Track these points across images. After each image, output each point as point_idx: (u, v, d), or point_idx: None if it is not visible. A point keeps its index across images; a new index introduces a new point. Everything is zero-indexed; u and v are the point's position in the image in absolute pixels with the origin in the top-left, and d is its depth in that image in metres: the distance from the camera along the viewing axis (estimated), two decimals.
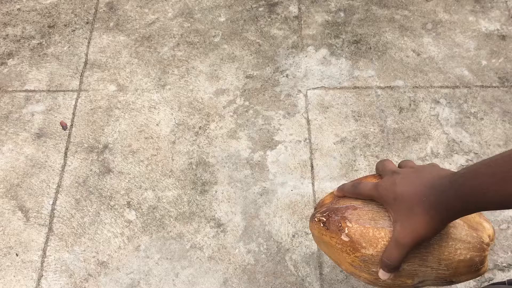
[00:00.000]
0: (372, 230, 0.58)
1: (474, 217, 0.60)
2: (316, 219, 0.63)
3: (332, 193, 0.66)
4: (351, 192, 0.62)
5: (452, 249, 0.58)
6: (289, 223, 1.30)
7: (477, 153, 1.40)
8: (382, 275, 0.58)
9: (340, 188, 0.64)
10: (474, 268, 0.59)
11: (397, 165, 0.63)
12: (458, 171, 0.52)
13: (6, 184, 1.37)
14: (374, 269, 0.59)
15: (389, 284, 0.60)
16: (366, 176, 0.65)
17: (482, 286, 0.88)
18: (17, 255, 1.27)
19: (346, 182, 1.35)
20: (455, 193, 0.51)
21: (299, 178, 1.37)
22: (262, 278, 1.24)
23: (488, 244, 0.59)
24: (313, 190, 1.35)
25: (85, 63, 1.59)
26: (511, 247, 1.27)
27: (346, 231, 0.59)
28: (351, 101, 1.49)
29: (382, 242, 0.57)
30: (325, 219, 0.61)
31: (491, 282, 1.23)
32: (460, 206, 0.51)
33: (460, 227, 0.58)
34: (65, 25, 1.68)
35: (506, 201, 0.47)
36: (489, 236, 0.60)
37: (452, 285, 1.01)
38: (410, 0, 1.71)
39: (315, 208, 0.66)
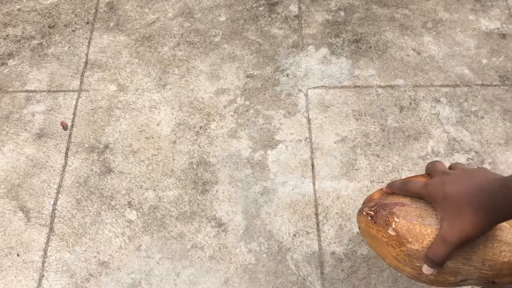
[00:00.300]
0: (419, 226, 0.60)
1: None
2: (364, 212, 0.65)
3: (381, 189, 0.69)
4: (400, 189, 0.65)
5: (497, 251, 0.59)
6: (290, 222, 1.30)
7: (477, 152, 1.40)
8: (426, 270, 0.60)
9: (389, 185, 0.67)
10: None
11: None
12: (509, 175, 0.54)
13: (7, 184, 1.37)
14: (418, 264, 0.60)
15: (431, 280, 0.62)
16: (416, 176, 0.67)
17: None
18: (18, 255, 1.27)
19: (346, 182, 1.35)
20: (504, 196, 0.52)
21: (300, 178, 1.37)
22: (263, 277, 1.24)
23: None
24: (314, 190, 1.35)
25: (86, 63, 1.59)
26: None
27: (393, 226, 0.61)
28: (352, 100, 1.49)
29: (428, 239, 0.59)
30: (373, 213, 0.64)
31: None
32: (509, 209, 0.52)
33: (507, 230, 0.60)
34: (66, 25, 1.68)
35: None
36: None
37: None
38: None
39: (363, 203, 0.69)
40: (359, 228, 0.70)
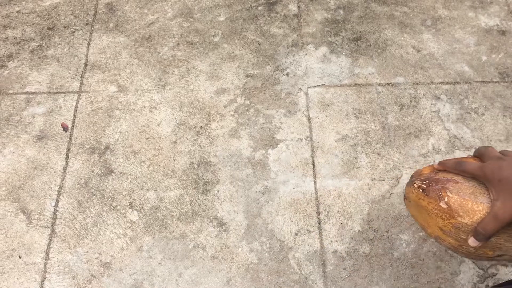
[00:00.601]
0: (471, 203, 0.65)
1: None
2: (415, 184, 0.71)
3: (431, 165, 0.74)
4: (454, 168, 0.70)
5: None
6: (292, 221, 1.30)
7: None
8: (472, 242, 0.66)
9: (442, 163, 0.73)
10: None
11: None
12: None
13: (8, 186, 1.37)
14: (463, 236, 0.66)
15: (470, 252, 0.68)
16: (467, 157, 0.73)
17: (495, 284, 0.90)
18: (20, 257, 1.27)
19: (347, 180, 1.35)
20: None
21: (301, 176, 1.37)
22: (265, 276, 1.24)
23: None
24: (315, 188, 1.35)
25: (85, 64, 1.59)
26: None
27: (446, 200, 0.66)
28: (352, 99, 1.49)
29: (479, 215, 0.64)
30: (425, 186, 0.69)
31: (495, 278, 1.23)
32: None
33: None
34: (65, 27, 1.68)
35: None
36: None
37: None
38: None
39: (412, 176, 0.74)
40: (405, 198, 0.75)
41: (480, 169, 0.67)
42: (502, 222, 0.63)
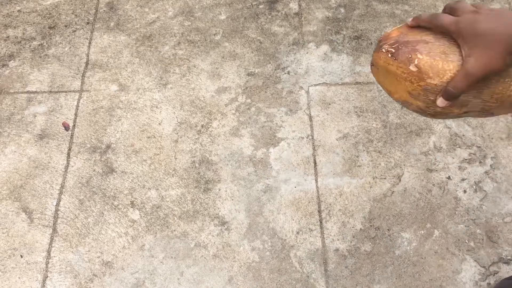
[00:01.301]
0: (441, 62, 0.63)
1: None
2: (383, 49, 0.67)
3: (398, 28, 0.70)
4: (428, 21, 0.66)
5: (507, 85, 0.63)
6: (293, 219, 1.30)
7: (480, 147, 1.40)
8: (441, 102, 0.64)
9: (416, 17, 0.68)
10: None
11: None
12: None
13: (10, 185, 1.37)
14: (431, 98, 0.64)
15: (437, 112, 0.66)
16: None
17: (496, 281, 0.89)
18: (21, 256, 1.27)
19: (349, 179, 1.35)
20: None
21: (302, 175, 1.37)
22: (267, 275, 1.24)
23: None
24: (317, 187, 1.34)
25: (86, 63, 1.59)
26: None
27: (416, 62, 0.64)
28: (353, 97, 1.49)
29: (449, 74, 0.62)
30: (393, 50, 0.66)
31: (496, 275, 1.23)
32: None
33: None
34: (66, 26, 1.68)
35: None
36: None
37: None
38: None
39: (380, 41, 0.70)
40: (373, 65, 0.72)
41: (455, 23, 0.63)
42: (473, 79, 0.61)
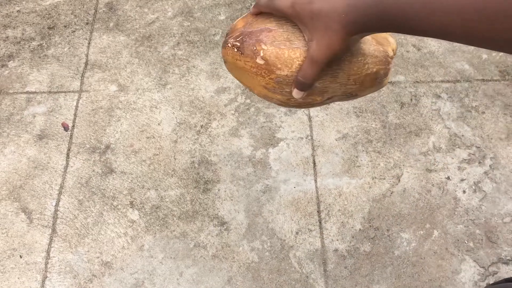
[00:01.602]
0: (287, 51, 0.58)
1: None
2: (229, 44, 0.62)
3: (243, 17, 0.65)
4: (266, 6, 0.60)
5: (361, 64, 0.59)
6: (292, 220, 1.30)
7: (479, 147, 1.40)
8: (296, 93, 0.59)
9: (256, 4, 0.62)
10: (379, 81, 0.61)
11: None
12: None
13: (9, 186, 1.37)
14: (287, 90, 0.60)
15: (300, 103, 0.61)
16: None
17: (496, 281, 0.89)
18: (21, 257, 1.27)
19: (348, 179, 1.35)
20: (379, 14, 0.51)
21: (301, 175, 1.37)
22: (266, 275, 1.24)
23: (392, 58, 0.61)
24: (316, 187, 1.35)
25: (86, 63, 1.59)
26: None
27: (262, 54, 0.59)
28: None
29: (297, 62, 0.58)
30: (239, 44, 0.61)
31: (496, 276, 1.23)
32: (380, 26, 0.51)
33: (369, 43, 0.60)
34: (65, 26, 1.68)
35: (429, 31, 0.48)
36: (393, 50, 0.62)
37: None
38: None
39: (227, 34, 0.64)
40: (224, 62, 0.66)
41: (291, 6, 0.56)
42: (320, 64, 0.55)
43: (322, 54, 0.55)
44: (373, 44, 0.60)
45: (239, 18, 0.65)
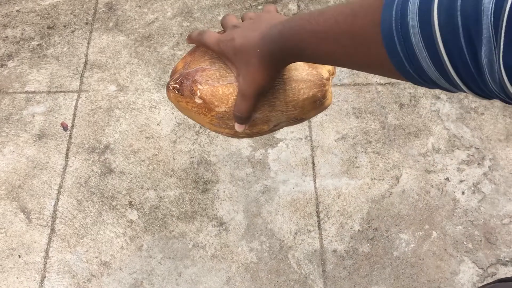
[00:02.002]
0: (221, 88, 0.60)
1: None
2: (171, 87, 0.64)
3: (183, 57, 0.67)
4: (197, 40, 0.63)
5: (296, 90, 0.61)
6: (291, 220, 1.30)
7: (478, 148, 1.40)
8: (238, 127, 0.61)
9: (188, 36, 0.65)
10: (319, 103, 0.63)
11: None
12: (290, 18, 0.53)
13: (8, 185, 1.37)
14: (231, 124, 0.62)
15: (248, 133, 0.63)
16: (220, 31, 0.66)
17: (489, 282, 0.88)
18: (19, 256, 1.27)
19: (347, 180, 1.35)
20: (281, 45, 0.53)
21: (300, 176, 1.37)
22: (265, 276, 1.24)
23: (328, 79, 0.63)
24: (315, 188, 1.35)
25: (85, 63, 1.59)
26: None
27: (199, 94, 0.61)
28: (352, 98, 1.49)
29: (232, 98, 0.60)
30: (178, 86, 0.63)
31: (494, 277, 1.23)
32: (286, 57, 0.54)
33: (301, 68, 0.62)
34: (65, 26, 1.68)
35: (321, 58, 0.50)
36: (328, 71, 0.63)
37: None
38: None
39: (170, 76, 0.67)
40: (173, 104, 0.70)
41: (217, 44, 0.59)
42: (249, 97, 0.57)
43: (249, 88, 0.57)
44: (306, 69, 0.62)
45: (180, 60, 0.68)
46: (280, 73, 0.59)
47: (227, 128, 0.63)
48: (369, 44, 0.43)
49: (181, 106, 0.64)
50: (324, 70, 0.63)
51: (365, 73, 1.55)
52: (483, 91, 0.37)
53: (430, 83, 0.41)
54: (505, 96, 0.35)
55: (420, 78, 0.41)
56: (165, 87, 0.67)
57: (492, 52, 0.33)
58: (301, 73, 0.62)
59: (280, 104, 0.61)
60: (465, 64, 0.36)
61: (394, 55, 0.40)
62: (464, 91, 0.40)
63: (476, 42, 0.34)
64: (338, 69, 1.55)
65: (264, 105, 0.61)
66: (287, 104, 0.61)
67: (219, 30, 0.65)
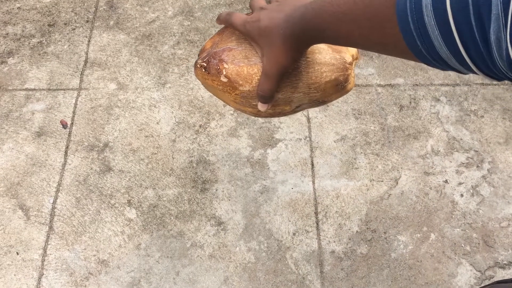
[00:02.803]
0: (246, 68, 0.62)
1: None
2: (198, 65, 0.66)
3: (212, 37, 0.69)
4: (225, 20, 0.65)
5: (319, 73, 0.63)
6: (290, 221, 1.30)
7: (477, 151, 1.40)
8: (261, 106, 0.63)
9: (218, 16, 0.67)
10: (341, 87, 0.65)
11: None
12: (313, 1, 0.55)
13: (7, 182, 1.37)
14: (254, 103, 0.64)
15: (271, 113, 0.66)
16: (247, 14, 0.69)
17: (486, 284, 0.88)
18: (17, 253, 1.27)
19: (346, 181, 1.35)
20: (303, 27, 0.54)
21: (299, 176, 1.37)
22: (262, 276, 1.24)
23: (351, 63, 0.64)
24: (314, 188, 1.35)
25: (85, 61, 1.59)
26: None
27: (224, 73, 0.63)
28: (352, 99, 1.49)
29: (256, 78, 0.62)
30: (205, 64, 0.65)
31: (492, 280, 1.23)
32: (308, 38, 0.56)
33: (325, 52, 0.63)
34: (65, 24, 1.68)
35: (340, 39, 0.52)
36: (352, 56, 0.65)
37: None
38: None
39: (198, 55, 0.69)
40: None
41: (243, 25, 0.61)
42: (273, 78, 0.59)
43: (272, 69, 0.59)
44: (329, 53, 0.63)
45: (209, 39, 0.70)
46: (302, 54, 0.60)
47: (250, 107, 0.65)
48: (384, 24, 0.44)
49: (207, 84, 0.67)
50: (348, 54, 0.64)
51: (365, 73, 1.55)
52: (492, 71, 0.38)
53: (441, 63, 0.42)
54: None
55: (432, 58, 0.42)
56: (193, 65, 0.69)
57: (500, 29, 0.34)
58: (325, 56, 0.63)
59: (302, 86, 0.63)
60: (474, 42, 0.37)
61: (407, 34, 0.41)
62: (474, 72, 0.41)
63: (485, 20, 0.35)
64: None
65: (287, 86, 0.62)
66: (310, 86, 0.63)
67: (248, 12, 0.67)
